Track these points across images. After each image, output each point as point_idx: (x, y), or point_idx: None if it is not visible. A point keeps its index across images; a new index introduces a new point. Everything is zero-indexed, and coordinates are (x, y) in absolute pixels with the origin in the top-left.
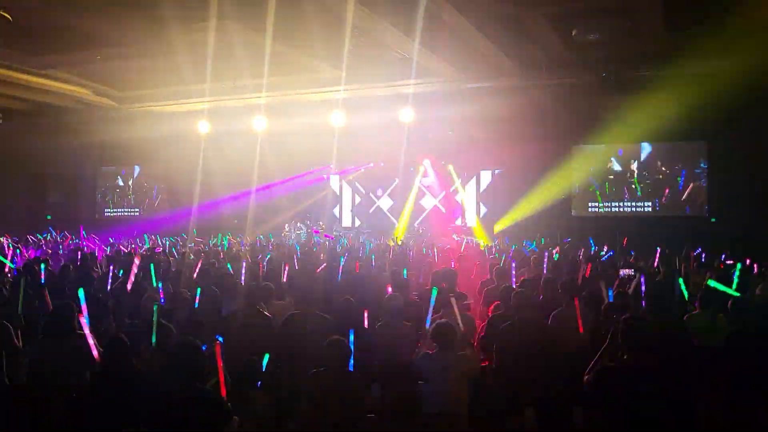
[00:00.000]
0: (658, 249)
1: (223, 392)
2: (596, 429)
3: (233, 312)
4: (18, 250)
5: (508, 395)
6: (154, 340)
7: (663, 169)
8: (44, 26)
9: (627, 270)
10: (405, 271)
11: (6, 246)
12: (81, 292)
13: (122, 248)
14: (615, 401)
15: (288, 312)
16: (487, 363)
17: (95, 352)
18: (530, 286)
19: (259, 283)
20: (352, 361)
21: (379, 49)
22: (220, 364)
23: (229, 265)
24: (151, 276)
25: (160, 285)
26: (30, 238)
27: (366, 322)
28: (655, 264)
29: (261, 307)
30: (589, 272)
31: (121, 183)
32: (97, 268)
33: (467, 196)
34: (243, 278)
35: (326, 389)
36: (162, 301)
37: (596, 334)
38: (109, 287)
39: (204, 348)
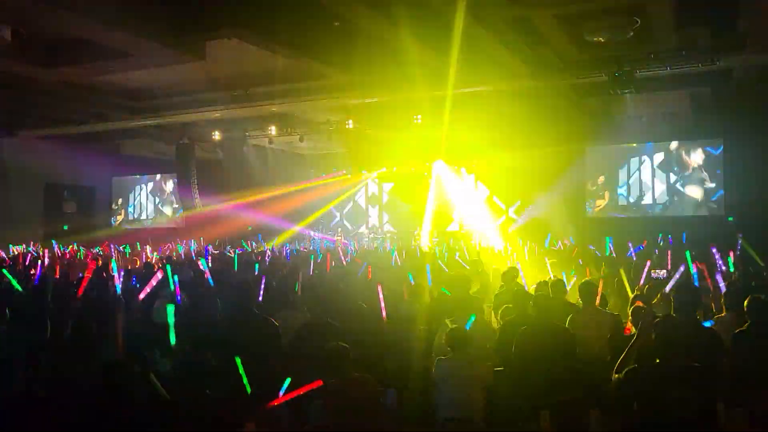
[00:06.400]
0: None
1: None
2: None
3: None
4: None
5: (524, 399)
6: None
7: (678, 168)
8: (57, 39)
9: (660, 271)
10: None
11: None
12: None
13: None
14: (645, 403)
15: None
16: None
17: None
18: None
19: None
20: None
21: (390, 54)
22: None
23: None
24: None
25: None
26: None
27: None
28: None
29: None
30: None
31: (135, 193)
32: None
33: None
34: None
35: (340, 395)
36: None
37: (615, 339)
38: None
39: None
